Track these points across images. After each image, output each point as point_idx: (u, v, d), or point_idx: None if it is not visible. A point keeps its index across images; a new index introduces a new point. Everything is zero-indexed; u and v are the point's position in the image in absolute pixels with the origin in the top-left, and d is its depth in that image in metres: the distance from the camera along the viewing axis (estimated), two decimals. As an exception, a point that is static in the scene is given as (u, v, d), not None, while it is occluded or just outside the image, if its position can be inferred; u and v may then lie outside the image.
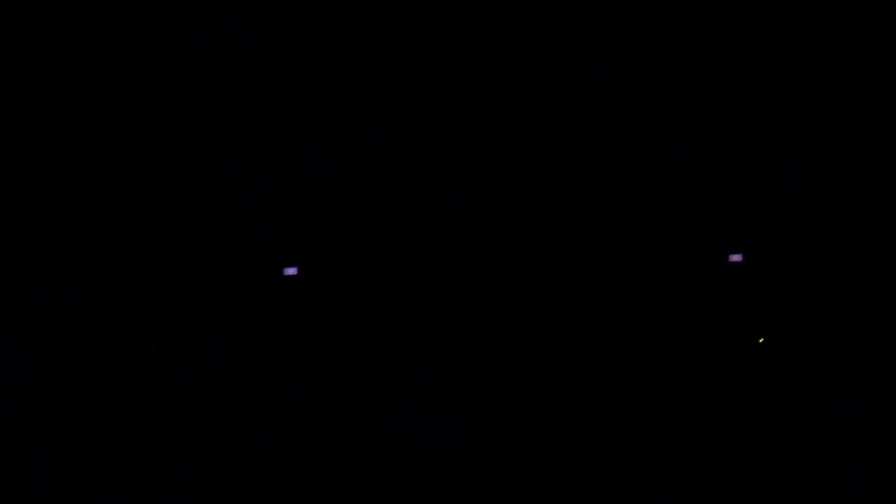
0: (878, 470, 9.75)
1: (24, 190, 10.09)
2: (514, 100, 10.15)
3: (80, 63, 10.12)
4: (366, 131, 10.10)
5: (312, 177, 10.10)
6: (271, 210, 10.03)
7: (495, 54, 10.12)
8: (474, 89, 10.19)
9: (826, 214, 10.07)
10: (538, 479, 9.87)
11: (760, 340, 9.78)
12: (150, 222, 10.07)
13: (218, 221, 10.03)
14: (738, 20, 10.11)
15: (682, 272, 9.97)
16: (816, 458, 9.80)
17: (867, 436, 9.85)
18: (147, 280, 10.07)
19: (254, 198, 10.05)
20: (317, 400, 9.93)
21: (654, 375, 9.91)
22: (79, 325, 10.09)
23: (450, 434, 9.92)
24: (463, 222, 10.12)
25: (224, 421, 9.95)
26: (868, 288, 9.98)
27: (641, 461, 9.87)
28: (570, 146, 10.19)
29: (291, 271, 9.65)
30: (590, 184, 10.16)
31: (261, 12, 10.19)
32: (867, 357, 9.98)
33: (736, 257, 9.83)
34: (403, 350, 9.96)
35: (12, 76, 10.05)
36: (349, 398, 9.95)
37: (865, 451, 9.79)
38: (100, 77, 10.23)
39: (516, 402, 10.00)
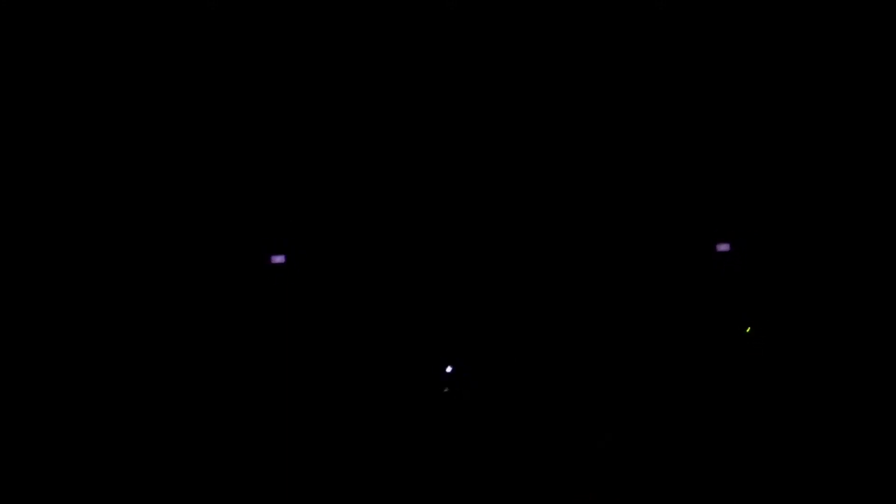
0: (877, 468, 9.71)
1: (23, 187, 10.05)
2: (505, 97, 10.10)
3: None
4: (358, 128, 10.05)
5: (304, 169, 10.06)
6: (261, 200, 9.99)
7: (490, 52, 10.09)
8: (465, 85, 10.15)
9: (814, 206, 10.05)
10: (534, 475, 9.81)
11: (748, 330, 9.77)
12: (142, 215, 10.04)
13: (208, 211, 9.99)
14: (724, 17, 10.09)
15: (671, 262, 9.94)
16: (812, 455, 9.77)
17: (864, 433, 9.82)
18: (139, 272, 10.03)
19: (243, 189, 10.02)
20: (307, 393, 9.87)
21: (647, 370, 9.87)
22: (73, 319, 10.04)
23: (445, 430, 9.84)
24: (451, 217, 10.07)
25: (217, 413, 9.89)
26: (856, 280, 9.96)
27: (639, 461, 9.82)
28: (561, 142, 10.16)
29: (279, 259, 9.63)
30: (580, 175, 10.13)
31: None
32: (859, 350, 9.95)
33: (723, 247, 9.80)
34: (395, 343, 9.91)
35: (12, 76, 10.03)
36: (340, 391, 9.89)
37: (863, 448, 9.76)
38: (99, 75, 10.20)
39: (509, 396, 9.94)
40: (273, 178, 10.06)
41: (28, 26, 10.09)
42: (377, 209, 10.15)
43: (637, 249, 10.12)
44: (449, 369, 9.74)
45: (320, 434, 10.03)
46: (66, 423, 9.93)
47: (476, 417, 9.99)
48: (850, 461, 9.81)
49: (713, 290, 9.96)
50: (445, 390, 9.83)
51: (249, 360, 9.95)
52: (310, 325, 9.96)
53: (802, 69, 10.05)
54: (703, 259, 9.98)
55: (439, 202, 10.18)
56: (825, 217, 10.00)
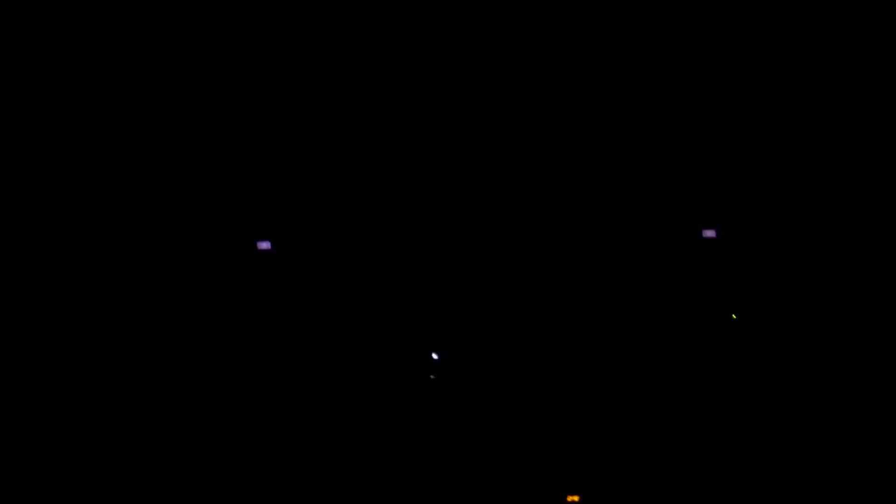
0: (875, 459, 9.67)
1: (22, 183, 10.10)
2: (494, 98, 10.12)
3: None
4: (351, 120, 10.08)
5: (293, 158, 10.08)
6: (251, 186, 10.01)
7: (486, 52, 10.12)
8: (457, 82, 10.17)
9: (800, 192, 10.04)
10: (529, 469, 9.79)
11: (733, 316, 9.75)
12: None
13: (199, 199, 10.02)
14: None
15: (658, 250, 9.92)
16: (806, 450, 9.73)
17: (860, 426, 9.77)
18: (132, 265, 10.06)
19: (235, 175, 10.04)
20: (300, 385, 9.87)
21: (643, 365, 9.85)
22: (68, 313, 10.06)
23: (436, 426, 9.83)
24: (440, 202, 10.08)
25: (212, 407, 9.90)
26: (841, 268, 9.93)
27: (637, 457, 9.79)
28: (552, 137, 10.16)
29: (265, 245, 9.64)
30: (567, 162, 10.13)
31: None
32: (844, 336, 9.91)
33: (709, 233, 9.78)
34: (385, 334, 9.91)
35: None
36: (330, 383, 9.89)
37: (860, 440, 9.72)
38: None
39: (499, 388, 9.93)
40: (259, 164, 10.09)
41: (26, 23, 10.17)
42: (369, 196, 10.17)
43: (626, 238, 10.11)
44: (435, 356, 9.73)
45: (312, 425, 10.01)
46: (52, 405, 9.96)
47: (474, 416, 9.97)
48: (847, 455, 9.76)
49: (701, 278, 9.94)
50: (431, 377, 9.82)
51: (236, 346, 9.97)
52: (297, 312, 9.97)
53: (788, 58, 10.06)
54: (691, 246, 9.96)
55: (429, 188, 10.19)
56: (811, 203, 9.99)
